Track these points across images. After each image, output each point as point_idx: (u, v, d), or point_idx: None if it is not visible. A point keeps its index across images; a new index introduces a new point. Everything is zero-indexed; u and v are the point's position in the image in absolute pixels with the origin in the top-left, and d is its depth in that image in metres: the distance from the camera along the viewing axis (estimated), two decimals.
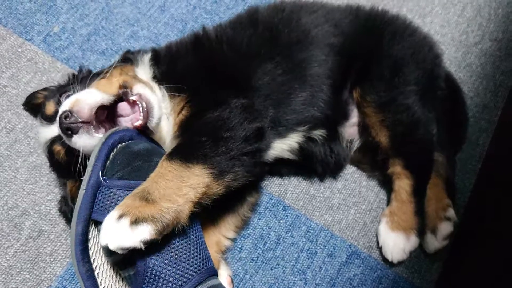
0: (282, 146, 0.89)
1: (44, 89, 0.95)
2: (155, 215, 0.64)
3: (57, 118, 0.76)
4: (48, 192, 0.93)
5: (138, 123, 0.78)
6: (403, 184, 0.90)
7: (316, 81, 0.89)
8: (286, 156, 0.91)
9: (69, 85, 0.84)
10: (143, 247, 0.63)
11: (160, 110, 0.82)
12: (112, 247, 0.62)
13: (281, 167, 0.97)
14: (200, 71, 0.87)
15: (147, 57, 0.90)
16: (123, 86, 0.80)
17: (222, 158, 0.73)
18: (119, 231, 0.62)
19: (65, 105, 0.76)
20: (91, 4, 1.13)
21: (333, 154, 0.94)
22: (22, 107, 0.99)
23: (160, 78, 0.87)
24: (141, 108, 0.78)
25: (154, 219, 0.64)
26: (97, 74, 0.85)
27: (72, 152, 0.79)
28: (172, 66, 0.89)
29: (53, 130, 0.81)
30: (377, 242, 0.93)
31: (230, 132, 0.76)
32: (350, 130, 0.95)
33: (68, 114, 0.74)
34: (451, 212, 0.91)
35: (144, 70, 0.88)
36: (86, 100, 0.76)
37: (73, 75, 0.91)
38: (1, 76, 1.02)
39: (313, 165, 0.95)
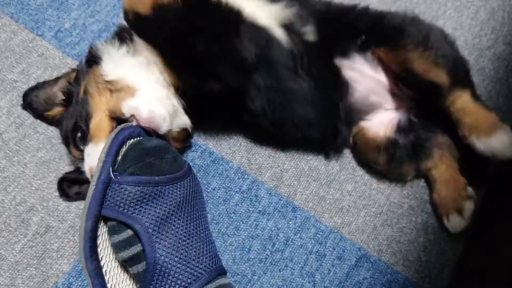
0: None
1: (37, 87, 0.94)
2: None
3: None
4: (56, 188, 0.93)
5: None
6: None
7: None
8: (277, 35, 0.87)
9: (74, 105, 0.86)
10: None
11: (162, 104, 0.82)
12: None
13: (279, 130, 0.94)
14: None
15: (112, 39, 0.89)
16: (115, 117, 0.80)
17: None
18: None
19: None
20: (103, 0, 1.12)
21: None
22: (21, 104, 0.98)
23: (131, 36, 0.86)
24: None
25: None
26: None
27: None
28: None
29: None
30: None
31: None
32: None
33: None
34: (470, 190, 0.91)
35: (114, 55, 0.86)
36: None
37: (66, 91, 0.91)
38: (12, 71, 1.02)
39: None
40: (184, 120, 0.89)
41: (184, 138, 0.94)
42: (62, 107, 0.92)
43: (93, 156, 0.77)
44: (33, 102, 0.94)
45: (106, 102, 0.81)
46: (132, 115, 0.78)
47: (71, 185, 0.90)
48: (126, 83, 0.82)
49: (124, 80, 0.83)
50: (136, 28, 0.83)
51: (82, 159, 0.84)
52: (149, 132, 0.80)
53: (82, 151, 0.83)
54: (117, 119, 0.81)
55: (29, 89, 0.94)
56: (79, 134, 0.83)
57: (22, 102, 0.96)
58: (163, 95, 0.84)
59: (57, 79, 0.94)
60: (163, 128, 0.80)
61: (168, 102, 0.84)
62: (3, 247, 0.88)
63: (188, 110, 0.89)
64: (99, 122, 0.81)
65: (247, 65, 0.82)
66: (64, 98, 0.91)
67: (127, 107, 0.79)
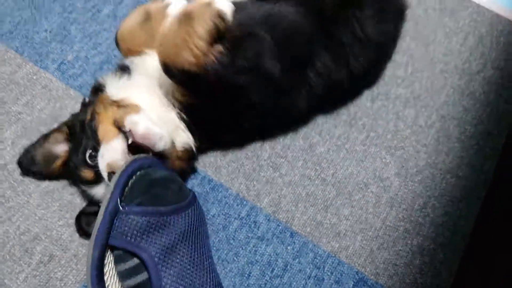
0: None
1: (28, 151, 0.94)
2: None
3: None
4: (59, 218, 0.95)
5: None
6: None
7: None
8: None
9: (81, 137, 0.87)
10: None
11: (164, 123, 0.84)
12: None
13: None
14: None
15: (113, 72, 0.93)
16: (118, 127, 0.81)
17: None
18: None
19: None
20: (104, 33, 1.16)
21: None
22: (20, 173, 0.97)
23: None
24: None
25: None
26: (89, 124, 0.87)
27: None
28: None
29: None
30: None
31: None
32: None
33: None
34: None
35: (116, 83, 0.90)
36: (116, 159, 0.78)
37: (71, 125, 0.92)
38: (16, 103, 1.05)
39: None
40: (187, 139, 0.91)
41: (188, 158, 0.95)
42: (66, 146, 0.92)
43: (107, 154, 0.78)
44: (32, 166, 0.93)
45: (112, 114, 0.83)
46: (130, 130, 0.79)
47: (90, 220, 0.89)
48: (132, 102, 0.85)
49: (130, 99, 0.86)
50: (180, 80, 0.83)
51: (95, 182, 0.84)
52: (162, 162, 0.82)
53: (94, 167, 0.82)
54: (119, 129, 0.81)
55: (21, 156, 0.94)
56: (89, 151, 0.83)
57: (20, 171, 0.97)
58: (166, 116, 0.87)
59: (46, 136, 0.93)
60: (158, 146, 0.80)
61: (171, 123, 0.88)
62: (8, 276, 0.89)
63: (193, 128, 0.91)
64: (105, 128, 0.82)
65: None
66: (68, 132, 0.92)
67: (129, 120, 0.80)
